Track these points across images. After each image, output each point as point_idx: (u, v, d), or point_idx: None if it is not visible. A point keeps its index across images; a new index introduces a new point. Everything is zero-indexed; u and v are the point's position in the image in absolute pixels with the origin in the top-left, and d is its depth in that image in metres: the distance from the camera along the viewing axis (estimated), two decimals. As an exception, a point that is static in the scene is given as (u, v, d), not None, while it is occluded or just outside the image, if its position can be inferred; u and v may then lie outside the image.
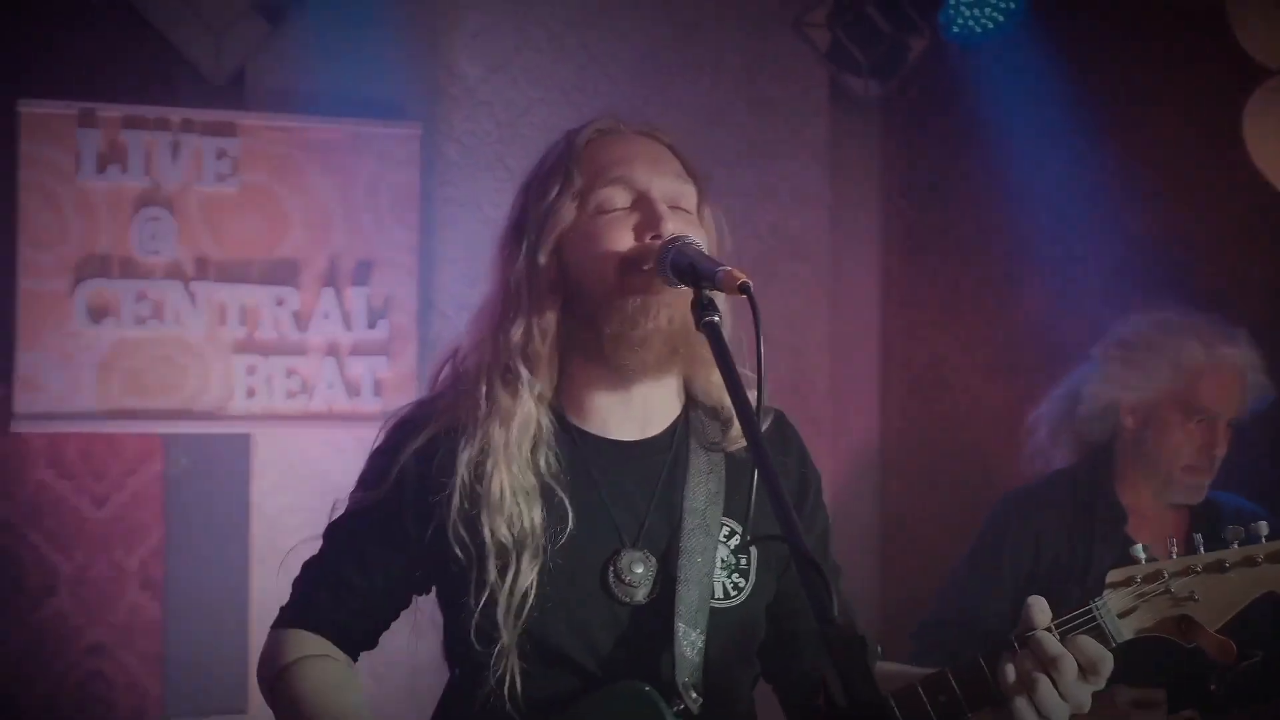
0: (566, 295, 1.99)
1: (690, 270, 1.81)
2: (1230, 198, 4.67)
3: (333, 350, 4.26)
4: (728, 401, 1.95)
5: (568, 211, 2.00)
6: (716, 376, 1.95)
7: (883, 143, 5.09)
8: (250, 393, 4.18)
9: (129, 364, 4.11)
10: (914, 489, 4.96)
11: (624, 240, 1.95)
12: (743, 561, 1.99)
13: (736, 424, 1.97)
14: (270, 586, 2.25)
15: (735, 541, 1.98)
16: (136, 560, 4.20)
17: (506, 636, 1.89)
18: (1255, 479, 3.65)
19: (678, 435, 2.04)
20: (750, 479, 1.84)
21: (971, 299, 5.02)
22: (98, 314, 4.08)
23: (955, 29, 4.66)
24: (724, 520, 1.99)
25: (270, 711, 2.07)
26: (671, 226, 1.94)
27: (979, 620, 3.28)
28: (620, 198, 1.99)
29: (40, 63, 4.18)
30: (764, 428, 1.96)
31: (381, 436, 2.07)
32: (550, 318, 1.99)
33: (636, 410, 2.02)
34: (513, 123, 4.55)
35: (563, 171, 2.02)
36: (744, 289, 1.76)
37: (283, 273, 4.24)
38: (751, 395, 1.81)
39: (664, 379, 2.00)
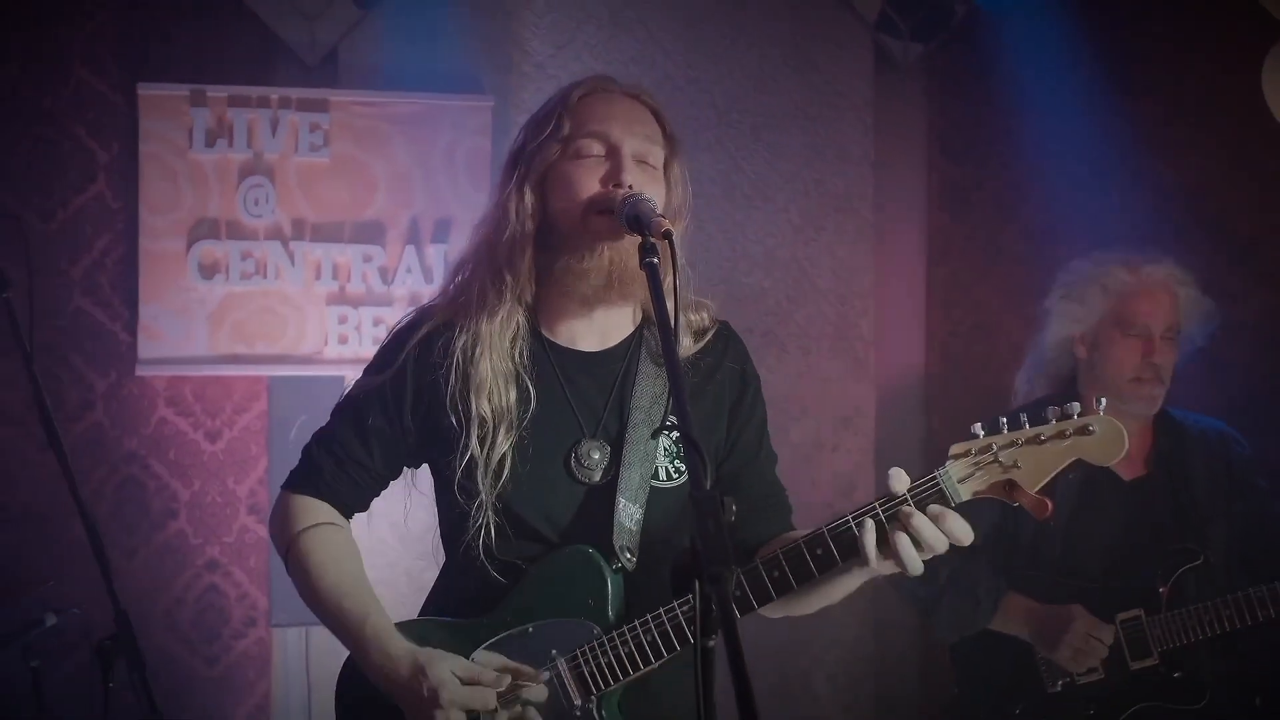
0: (544, 223, 2.41)
1: (637, 220, 2.20)
2: (1259, 151, 4.93)
3: (414, 301, 4.60)
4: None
5: (552, 153, 2.40)
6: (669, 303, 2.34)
7: (925, 103, 5.38)
8: (342, 340, 4.62)
9: (236, 315, 4.58)
10: (955, 426, 5.26)
11: (591, 185, 2.36)
12: (683, 450, 2.34)
13: (681, 341, 2.38)
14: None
15: (676, 434, 2.39)
16: (245, 488, 4.72)
17: (484, 494, 2.34)
18: (1224, 399, 3.98)
19: (631, 347, 2.46)
20: (695, 381, 2.38)
21: (1010, 250, 5.33)
22: (208, 271, 4.56)
23: (990, -7, 4.97)
24: (670, 419, 2.38)
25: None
26: (631, 178, 2.33)
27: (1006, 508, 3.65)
28: (595, 148, 2.38)
29: (156, 50, 4.66)
30: (708, 337, 2.46)
31: (389, 336, 2.52)
32: (529, 238, 2.40)
33: (596, 326, 2.45)
34: (577, 94, 4.95)
35: (554, 118, 2.42)
36: (666, 235, 2.15)
37: (370, 232, 4.69)
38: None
39: (614, 302, 2.41)
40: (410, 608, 2.60)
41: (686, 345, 2.46)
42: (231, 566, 4.72)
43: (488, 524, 2.35)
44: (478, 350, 2.37)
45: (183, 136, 4.56)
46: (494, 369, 2.37)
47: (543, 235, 2.42)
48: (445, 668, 2.28)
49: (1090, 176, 5.11)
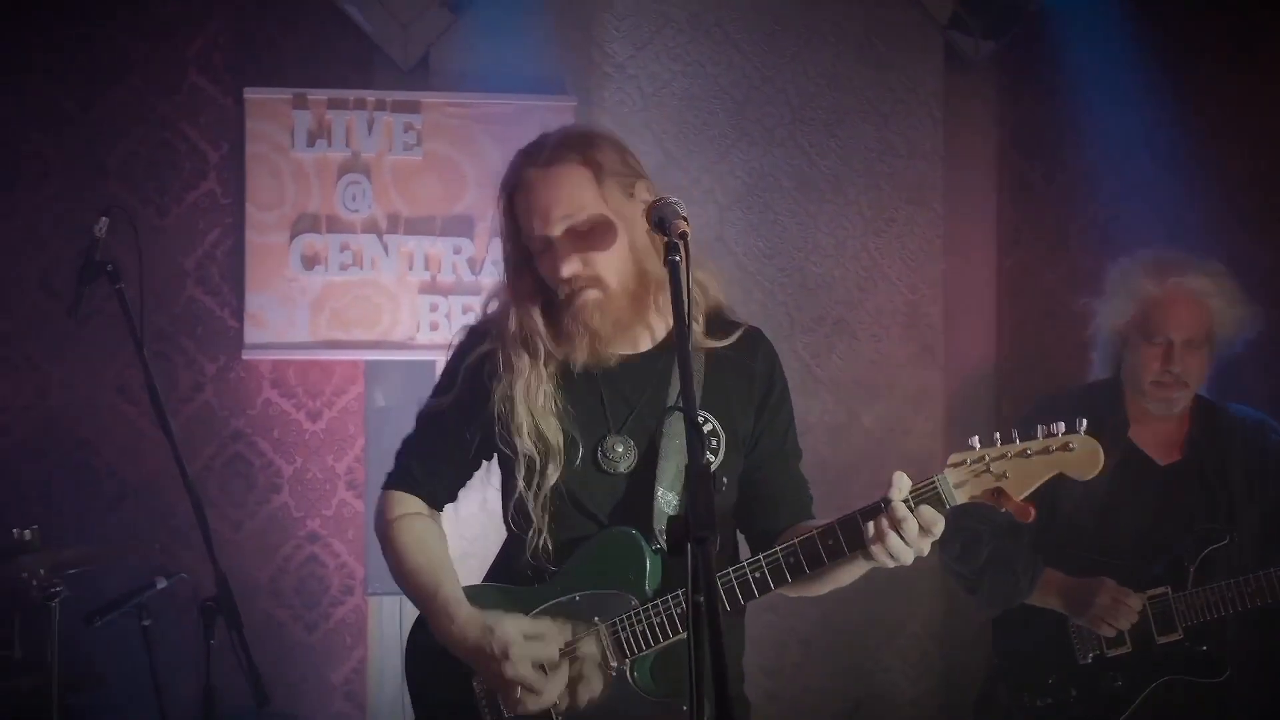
0: (543, 285, 2.66)
1: (661, 223, 2.41)
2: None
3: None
4: (701, 308, 2.64)
5: (517, 252, 2.65)
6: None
7: (995, 98, 5.51)
8: (433, 327, 4.88)
9: (335, 303, 4.87)
10: (1024, 411, 5.38)
11: (551, 271, 2.58)
12: (713, 442, 2.62)
13: (698, 330, 2.61)
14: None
15: (708, 427, 2.62)
16: (344, 465, 5.02)
17: (536, 520, 2.62)
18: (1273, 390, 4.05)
19: (660, 353, 2.67)
20: (724, 379, 2.63)
21: (1078, 240, 5.43)
22: (309, 262, 4.86)
23: (1055, -10, 5.07)
24: (701, 412, 2.60)
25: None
26: (566, 268, 2.54)
27: (996, 515, 3.76)
28: (538, 244, 2.59)
29: (263, 57, 5.02)
30: (735, 336, 2.66)
31: (452, 349, 2.79)
32: (535, 307, 2.65)
33: (628, 336, 2.67)
34: (656, 94, 5.12)
35: (506, 222, 2.65)
36: (681, 236, 2.35)
37: (459, 226, 4.94)
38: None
39: (638, 322, 2.64)
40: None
41: (708, 339, 2.66)
42: (331, 538, 5.02)
43: (544, 536, 2.63)
44: (515, 393, 2.63)
45: (286, 137, 4.86)
46: (532, 411, 2.62)
47: (549, 300, 2.66)
48: (511, 626, 2.55)
49: (1156, 169, 5.20)
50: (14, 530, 3.83)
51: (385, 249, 4.90)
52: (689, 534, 1.91)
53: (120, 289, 3.54)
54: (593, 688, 2.57)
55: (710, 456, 2.63)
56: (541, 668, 2.54)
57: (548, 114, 4.99)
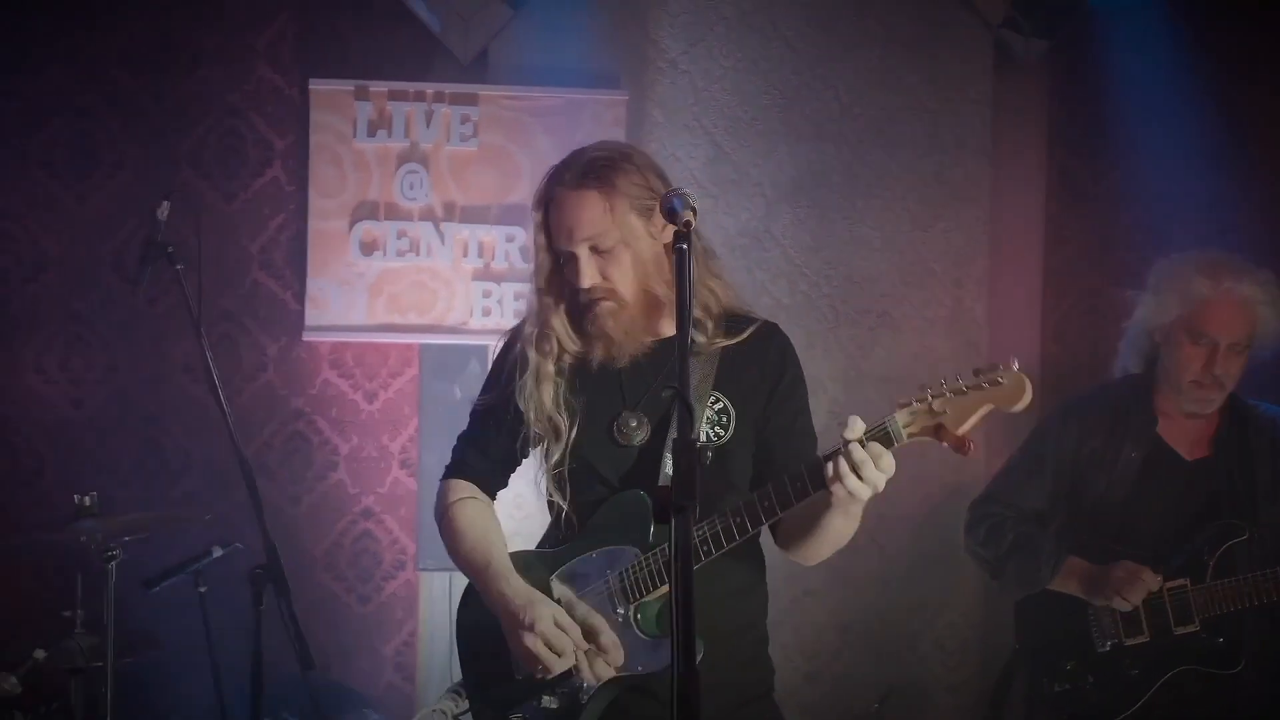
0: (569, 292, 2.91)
1: (672, 213, 2.53)
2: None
3: (552, 278, 5.05)
4: (697, 314, 2.83)
5: (548, 261, 2.90)
6: (703, 297, 2.86)
7: (1044, 97, 5.53)
8: (486, 312, 5.01)
9: (392, 288, 5.02)
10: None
11: (573, 281, 2.83)
12: (724, 419, 2.84)
13: (709, 327, 2.85)
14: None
15: (719, 406, 2.84)
16: (398, 444, 5.17)
17: (556, 490, 2.91)
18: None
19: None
20: (737, 366, 2.84)
21: (1124, 238, 5.44)
22: (368, 248, 5.01)
23: (1100, -7, 5.09)
24: (713, 392, 2.84)
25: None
26: (587, 278, 2.80)
27: (1021, 497, 3.82)
28: (564, 255, 2.85)
29: (328, 50, 5.15)
30: (748, 331, 2.88)
31: (497, 349, 3.05)
32: (561, 308, 2.90)
33: (647, 329, 2.90)
34: (708, 89, 5.22)
35: (537, 236, 2.91)
36: (686, 224, 2.47)
37: (513, 215, 5.06)
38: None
39: (652, 327, 2.89)
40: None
41: (719, 334, 2.87)
42: (384, 515, 5.16)
43: (563, 491, 2.91)
44: (528, 383, 2.89)
45: (348, 127, 5.01)
46: (542, 399, 2.87)
47: (573, 300, 2.90)
48: (548, 611, 2.79)
49: (1202, 170, 5.22)
50: (75, 496, 4.01)
51: (441, 236, 5.04)
52: (671, 502, 2.06)
53: (179, 270, 3.66)
54: (604, 630, 2.79)
55: (721, 431, 2.84)
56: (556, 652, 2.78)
57: (600, 108, 5.12)
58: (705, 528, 2.69)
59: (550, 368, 2.90)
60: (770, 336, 2.96)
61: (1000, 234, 5.45)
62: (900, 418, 2.54)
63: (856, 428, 2.54)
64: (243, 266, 5.10)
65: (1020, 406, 2.45)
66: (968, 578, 5.22)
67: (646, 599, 2.77)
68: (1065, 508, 3.77)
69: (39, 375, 5.04)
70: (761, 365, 2.90)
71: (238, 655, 3.81)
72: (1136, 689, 3.62)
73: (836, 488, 2.53)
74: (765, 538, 2.94)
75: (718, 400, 2.84)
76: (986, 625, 5.35)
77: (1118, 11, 5.12)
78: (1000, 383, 2.44)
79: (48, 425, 5.05)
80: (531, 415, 2.89)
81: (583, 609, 2.81)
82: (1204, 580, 3.60)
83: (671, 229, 2.72)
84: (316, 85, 5.01)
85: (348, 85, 5.01)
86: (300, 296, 5.06)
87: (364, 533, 5.16)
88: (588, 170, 2.85)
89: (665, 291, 2.83)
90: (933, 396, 2.51)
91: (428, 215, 5.04)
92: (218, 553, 4.19)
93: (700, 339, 2.86)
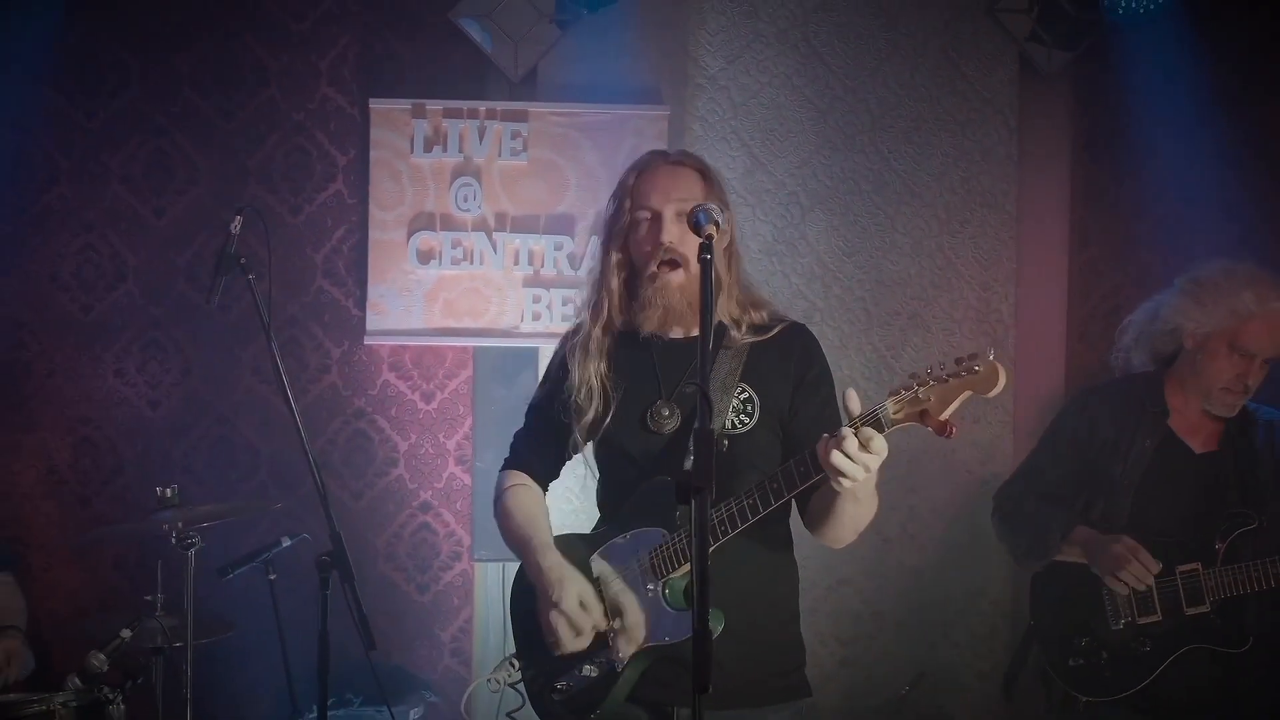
0: (630, 264, 3.13)
1: (698, 226, 2.76)
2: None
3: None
4: (732, 317, 3.07)
5: (624, 222, 3.11)
6: (725, 304, 3.05)
7: (1069, 106, 5.64)
8: (536, 317, 5.22)
9: (447, 294, 5.23)
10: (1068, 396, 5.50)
11: (644, 244, 3.05)
12: (749, 407, 3.03)
13: (738, 331, 3.06)
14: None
15: (745, 396, 3.03)
16: (454, 442, 5.38)
17: (595, 468, 3.17)
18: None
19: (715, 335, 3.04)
20: (765, 360, 3.03)
21: (1146, 239, 5.55)
22: (425, 257, 5.22)
23: (1120, 11, 5.17)
24: (739, 383, 3.03)
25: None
26: (669, 235, 3.00)
27: (1041, 483, 3.96)
28: (644, 215, 3.07)
29: (386, 71, 5.38)
30: (774, 330, 3.08)
31: (557, 347, 3.28)
32: (616, 281, 3.12)
33: (684, 324, 3.09)
34: (745, 103, 5.41)
35: (620, 197, 3.14)
36: (708, 237, 2.69)
37: (561, 225, 5.26)
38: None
39: (693, 316, 3.03)
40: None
41: (737, 337, 3.06)
42: (441, 509, 5.38)
43: (599, 467, 3.16)
44: (578, 356, 3.11)
45: (406, 143, 5.24)
46: (584, 381, 3.08)
47: (630, 271, 3.13)
48: (575, 590, 3.00)
49: (1222, 174, 5.33)
50: (157, 488, 4.23)
51: (493, 245, 5.24)
52: (690, 484, 2.24)
53: (251, 280, 3.84)
54: (634, 605, 2.98)
55: (745, 419, 3.02)
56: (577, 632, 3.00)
57: (643, 123, 5.29)
58: (723, 509, 2.86)
59: (600, 333, 3.10)
60: (797, 334, 3.14)
61: (1026, 237, 5.58)
62: (889, 405, 2.68)
63: (853, 400, 2.70)
64: (308, 275, 5.32)
65: (996, 391, 2.60)
66: (998, 566, 5.36)
67: (673, 575, 2.94)
68: (1083, 492, 3.91)
69: (119, 378, 5.29)
70: (787, 359, 3.07)
71: (305, 638, 3.95)
72: (1148, 664, 3.75)
73: (829, 469, 2.68)
74: (796, 523, 3.12)
75: (744, 390, 3.01)
76: (1016, 613, 5.46)
77: (1138, 24, 5.22)
78: (977, 370, 2.59)
79: (127, 425, 5.29)
80: (576, 379, 3.08)
81: (617, 586, 3.00)
82: (1215, 565, 3.74)
83: (726, 239, 3.04)
84: (376, 104, 5.23)
85: (405, 104, 5.23)
86: (362, 303, 5.27)
87: (422, 525, 5.36)
88: (689, 155, 3.19)
89: (724, 284, 3.03)
90: (919, 385, 2.65)
91: (481, 225, 5.24)
92: (286, 543, 4.42)
93: (734, 334, 3.06)
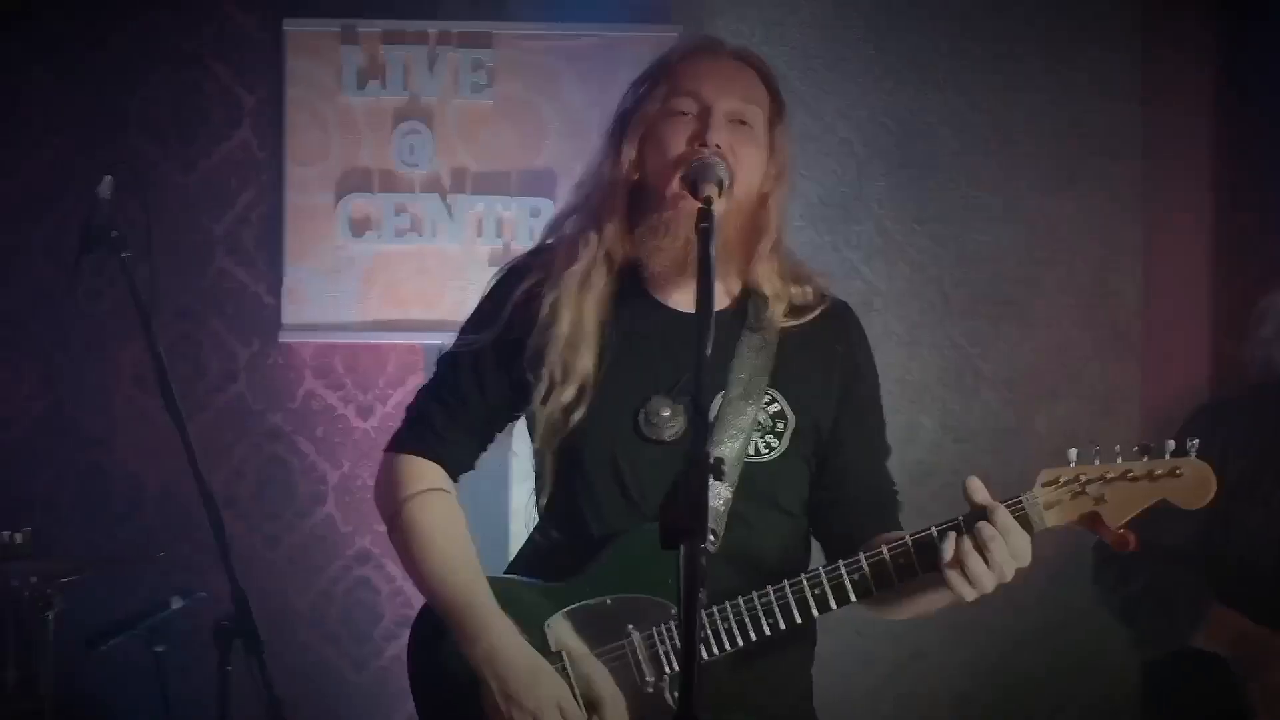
0: (641, 181, 2.86)
1: (694, 186, 2.63)
2: None
3: (590, 261, 5.20)
4: (773, 288, 2.88)
5: (650, 111, 2.85)
6: (767, 268, 2.86)
7: (1209, 23, 5.50)
8: (506, 305, 5.18)
9: (389, 277, 5.16)
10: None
11: (679, 144, 2.78)
12: (778, 425, 2.84)
13: (774, 307, 2.87)
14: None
15: (775, 408, 2.83)
16: (399, 471, 5.32)
17: (540, 444, 2.85)
18: None
19: (729, 318, 2.86)
20: (801, 358, 2.87)
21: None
22: (359, 227, 5.15)
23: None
24: (767, 390, 2.84)
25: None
26: (718, 137, 2.74)
27: (1159, 531, 3.81)
28: (688, 106, 2.81)
29: (306, -19, 5.23)
30: (814, 314, 2.92)
31: (492, 282, 3.00)
32: (622, 195, 2.86)
33: (690, 292, 2.69)
34: (780, 21, 5.32)
35: (654, 78, 2.89)
36: (706, 202, 2.56)
37: (540, 184, 5.17)
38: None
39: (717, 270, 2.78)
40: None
41: (770, 319, 2.89)
42: (384, 559, 5.25)
43: (547, 479, 2.88)
44: (560, 305, 2.83)
45: (332, 78, 5.17)
46: (573, 325, 2.82)
47: (638, 194, 2.87)
48: (553, 695, 2.76)
49: None
50: (3, 533, 4.23)
51: (449, 211, 5.19)
52: (683, 525, 2.07)
53: (126, 259, 3.82)
54: (618, 702, 2.75)
55: (774, 441, 2.85)
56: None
57: (645, 48, 5.08)
58: (773, 595, 2.70)
59: (600, 267, 2.86)
60: (841, 321, 2.98)
61: (1156, 197, 5.45)
62: (1044, 496, 2.59)
63: (979, 489, 2.56)
64: (204, 253, 5.27)
65: (1202, 504, 2.55)
66: (1123, 637, 5.31)
67: None
68: (1214, 545, 3.81)
69: (-44, 391, 5.19)
70: (829, 360, 2.92)
71: None
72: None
73: (953, 574, 2.56)
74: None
75: (773, 401, 2.84)
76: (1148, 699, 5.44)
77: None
78: (1179, 475, 2.52)
79: (-32, 451, 5.18)
80: (566, 328, 2.82)
81: (591, 669, 2.77)
82: None
83: (775, 175, 2.87)
84: (293, 26, 5.18)
85: (331, 25, 5.18)
86: (276, 289, 5.21)
87: (359, 581, 5.30)
88: (753, 54, 2.96)
89: (740, 244, 2.81)
90: (1088, 478, 2.56)
91: (432, 185, 5.19)
92: (178, 604, 4.43)
93: (769, 313, 2.88)
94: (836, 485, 2.93)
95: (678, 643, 2.71)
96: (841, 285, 5.06)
